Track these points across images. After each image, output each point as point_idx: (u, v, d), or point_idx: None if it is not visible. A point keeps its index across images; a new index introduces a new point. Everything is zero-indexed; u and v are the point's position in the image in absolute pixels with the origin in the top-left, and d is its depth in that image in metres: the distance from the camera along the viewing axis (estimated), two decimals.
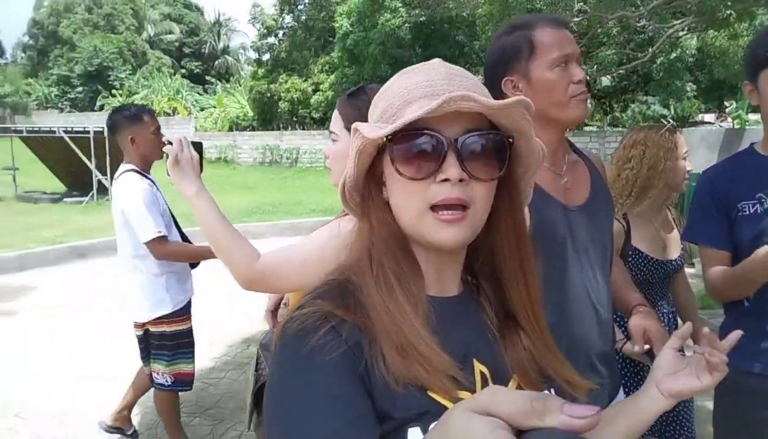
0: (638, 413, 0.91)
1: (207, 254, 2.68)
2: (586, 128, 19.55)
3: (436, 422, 0.49)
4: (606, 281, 1.44)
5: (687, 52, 16.41)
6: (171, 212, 2.93)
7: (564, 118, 1.38)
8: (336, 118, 1.47)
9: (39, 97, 38.61)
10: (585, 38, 10.24)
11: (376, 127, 0.74)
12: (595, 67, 9.04)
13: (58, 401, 3.68)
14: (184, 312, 2.91)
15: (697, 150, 10.61)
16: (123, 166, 2.87)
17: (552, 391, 0.82)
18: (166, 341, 2.88)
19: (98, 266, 7.74)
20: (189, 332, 2.94)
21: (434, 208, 0.72)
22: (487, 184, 0.74)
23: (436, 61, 0.79)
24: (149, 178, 2.85)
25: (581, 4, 10.45)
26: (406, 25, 21.36)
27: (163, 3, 47.90)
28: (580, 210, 1.40)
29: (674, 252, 2.23)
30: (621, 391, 1.55)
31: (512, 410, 0.38)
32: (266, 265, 1.29)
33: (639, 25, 10.72)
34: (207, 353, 4.21)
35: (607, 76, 16.42)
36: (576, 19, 9.80)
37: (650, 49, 9.69)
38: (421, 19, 21.72)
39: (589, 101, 1.37)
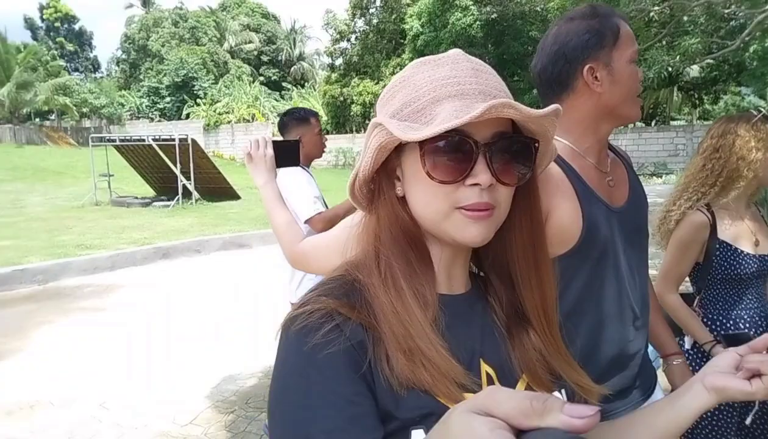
0: (679, 408, 0.84)
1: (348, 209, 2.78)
2: (674, 122, 18.49)
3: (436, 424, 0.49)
4: (643, 282, 1.41)
5: None
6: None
7: (631, 114, 1.35)
8: None
9: (131, 108, 41.39)
10: (667, 27, 9.69)
11: (408, 128, 0.71)
12: (678, 57, 8.53)
13: (138, 394, 3.93)
14: None
15: None
16: None
17: (563, 392, 0.80)
18: None
19: (180, 265, 8.21)
20: None
21: (461, 208, 0.72)
22: (512, 187, 0.74)
23: (458, 53, 0.76)
24: (308, 172, 3.04)
25: None
26: (477, 23, 21.11)
27: (242, 14, 50.00)
28: (622, 211, 1.36)
29: (767, 247, 2.07)
30: (659, 389, 1.49)
31: (512, 410, 0.38)
32: (304, 247, 1.44)
33: (727, 11, 10.04)
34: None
35: (695, 66, 15.44)
36: (656, 8, 9.29)
37: (739, 37, 9.03)
38: (493, 16, 21.36)
39: (675, 94, 1.36)
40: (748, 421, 1.90)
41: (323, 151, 3.14)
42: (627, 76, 1.30)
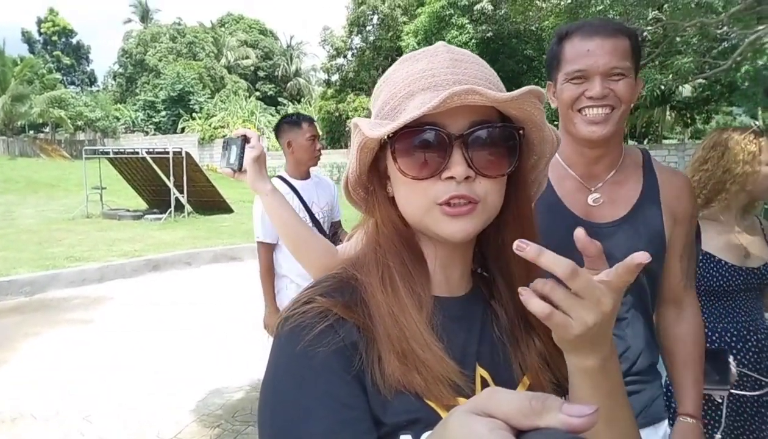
0: None
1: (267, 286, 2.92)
2: (666, 141, 18.65)
3: (430, 432, 0.47)
4: (638, 303, 1.41)
5: None
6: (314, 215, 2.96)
7: (574, 133, 1.37)
8: None
9: (127, 121, 41.41)
10: (660, 47, 9.80)
11: (376, 124, 0.70)
12: (671, 76, 8.62)
13: (123, 407, 3.84)
14: None
15: None
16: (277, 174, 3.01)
17: (566, 398, 0.75)
18: None
19: (170, 277, 8.12)
20: None
21: (440, 204, 0.69)
22: (498, 179, 0.70)
23: (440, 45, 0.74)
24: (291, 185, 2.92)
25: (656, 12, 10.01)
26: (473, 41, 21.31)
27: (240, 30, 50.39)
28: (603, 228, 1.36)
29: (760, 261, 2.04)
30: (666, 426, 1.48)
31: (511, 411, 0.37)
32: (343, 255, 1.38)
33: (719, 31, 10.15)
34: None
35: (688, 85, 15.61)
36: (650, 28, 9.40)
37: (731, 57, 9.13)
38: (488, 34, 21.60)
39: (668, 113, 1.32)
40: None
41: (316, 158, 2.99)
42: (561, 95, 1.36)
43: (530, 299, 0.59)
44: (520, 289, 0.60)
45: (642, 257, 0.57)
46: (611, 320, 0.62)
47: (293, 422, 0.62)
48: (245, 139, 1.41)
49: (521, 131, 0.70)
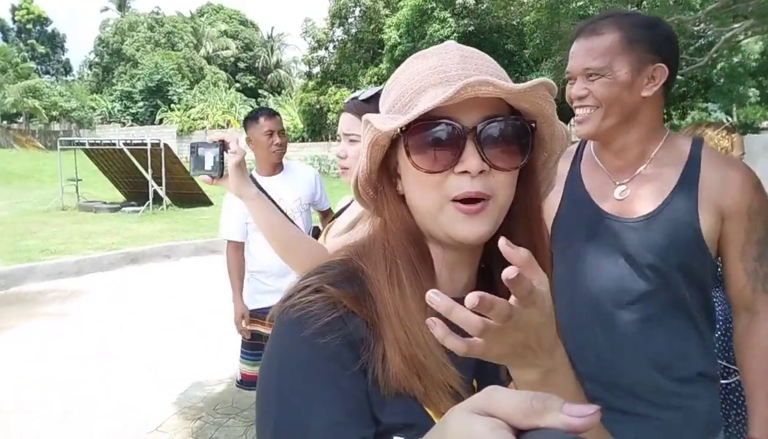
0: None
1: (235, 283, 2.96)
2: None
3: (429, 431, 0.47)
4: (675, 302, 1.33)
5: (750, 56, 15.64)
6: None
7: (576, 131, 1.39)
8: (353, 120, 1.52)
9: (103, 112, 40.67)
10: None
11: (389, 119, 0.70)
12: None
13: (103, 400, 3.80)
14: (259, 314, 2.91)
15: (760, 158, 10.05)
16: None
17: None
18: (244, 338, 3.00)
19: (149, 270, 8.03)
20: (258, 335, 2.95)
21: (454, 200, 0.68)
22: (510, 174, 0.69)
23: (450, 44, 0.74)
24: (256, 183, 2.72)
25: (635, 8, 10.11)
26: (455, 35, 21.33)
27: (220, 20, 49.74)
28: (632, 223, 1.34)
29: None
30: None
31: (512, 410, 0.37)
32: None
33: (696, 29, 10.30)
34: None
35: None
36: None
37: (707, 54, 9.31)
38: (470, 28, 21.66)
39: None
40: None
41: (274, 153, 2.84)
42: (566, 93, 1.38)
43: (445, 337, 0.55)
44: (427, 320, 0.56)
45: (508, 272, 0.53)
46: (532, 334, 0.59)
47: (300, 410, 0.61)
48: (224, 144, 1.38)
49: (533, 125, 0.70)
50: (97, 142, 15.57)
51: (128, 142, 14.39)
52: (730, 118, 17.87)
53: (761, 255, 1.32)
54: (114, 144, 14.38)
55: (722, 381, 2.02)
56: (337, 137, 1.63)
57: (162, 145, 13.77)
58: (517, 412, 0.37)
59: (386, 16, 25.07)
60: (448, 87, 0.65)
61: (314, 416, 0.61)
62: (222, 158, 1.37)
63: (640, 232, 1.31)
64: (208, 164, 1.38)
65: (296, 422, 0.61)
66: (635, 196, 1.34)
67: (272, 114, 2.93)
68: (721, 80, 16.30)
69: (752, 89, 16.95)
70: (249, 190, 1.39)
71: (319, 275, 0.70)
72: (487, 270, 0.82)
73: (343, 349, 0.64)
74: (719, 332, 2.04)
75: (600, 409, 0.36)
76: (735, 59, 15.04)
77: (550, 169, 0.79)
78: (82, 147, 15.21)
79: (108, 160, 15.23)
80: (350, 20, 28.10)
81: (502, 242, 0.56)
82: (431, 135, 0.67)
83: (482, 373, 0.72)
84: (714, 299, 2.06)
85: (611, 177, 1.38)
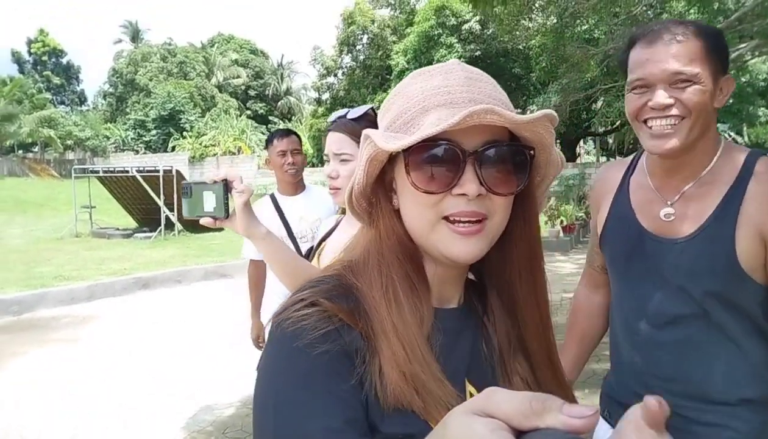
0: None
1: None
2: None
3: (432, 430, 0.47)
4: (714, 325, 1.27)
5: (758, 76, 15.65)
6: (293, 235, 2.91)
7: (642, 144, 1.28)
8: (343, 140, 1.51)
9: (117, 141, 41.30)
10: None
11: (391, 137, 0.70)
12: None
13: (112, 426, 3.80)
14: None
15: None
16: None
17: None
18: None
19: (160, 295, 8.07)
20: None
21: (448, 218, 0.69)
22: (507, 197, 0.71)
23: (454, 63, 0.74)
24: (276, 203, 2.91)
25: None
26: (462, 60, 21.48)
27: (231, 50, 50.65)
28: (670, 244, 1.29)
29: None
30: None
31: (511, 411, 0.37)
32: None
33: None
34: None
35: None
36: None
37: None
38: (477, 53, 21.88)
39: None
40: None
41: (287, 173, 2.88)
42: (627, 105, 1.29)
43: None
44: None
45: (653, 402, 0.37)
46: None
47: (297, 420, 0.61)
48: (227, 183, 1.31)
49: (532, 152, 0.71)
50: (110, 169, 15.79)
51: (141, 169, 14.59)
52: (740, 138, 17.81)
53: None
54: (127, 171, 14.58)
55: None
56: (324, 158, 1.61)
57: (174, 172, 13.94)
58: (517, 413, 0.37)
59: (393, 42, 25.44)
60: (453, 109, 0.67)
61: (312, 425, 0.60)
62: (227, 198, 1.30)
63: (676, 254, 1.27)
64: (209, 205, 1.31)
65: (295, 432, 0.61)
66: (680, 216, 1.28)
67: (286, 134, 2.99)
68: (730, 101, 16.30)
69: (762, 109, 16.92)
70: (258, 230, 1.34)
71: (313, 289, 0.70)
72: (478, 282, 0.83)
73: (339, 358, 0.64)
74: None
75: (598, 411, 0.36)
76: (743, 79, 15.05)
77: (543, 192, 0.80)
78: (96, 175, 15.44)
79: (121, 187, 15.44)
80: (358, 47, 28.52)
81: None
82: (432, 156, 0.67)
83: (474, 374, 0.74)
84: None
85: (659, 194, 1.32)
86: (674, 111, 1.20)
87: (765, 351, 1.27)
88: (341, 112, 1.59)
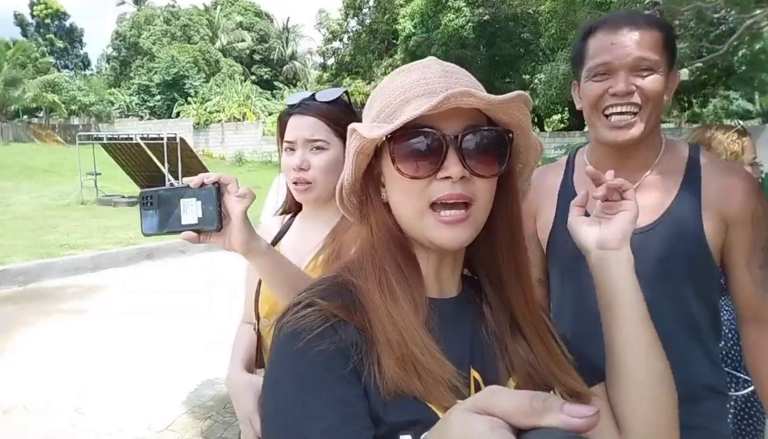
0: (607, 296, 0.87)
1: None
2: (663, 125, 18.62)
3: (428, 431, 0.48)
4: (683, 315, 1.28)
5: None
6: None
7: (597, 135, 1.29)
8: (317, 125, 1.32)
9: (121, 106, 41.05)
10: None
11: (375, 127, 0.73)
12: None
13: (114, 398, 3.86)
14: None
15: None
16: None
17: None
18: None
19: (164, 266, 8.12)
20: None
21: (435, 207, 0.72)
22: (489, 181, 0.74)
23: (431, 59, 0.78)
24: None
25: None
26: (470, 24, 21.11)
27: (235, 12, 49.79)
28: (635, 234, 1.30)
29: None
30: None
31: (512, 410, 0.38)
32: None
33: (716, 16, 10.06)
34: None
35: (685, 69, 15.50)
36: (647, 12, 9.31)
37: (728, 41, 9.09)
38: (485, 17, 21.40)
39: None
40: None
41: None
42: (583, 94, 1.30)
43: None
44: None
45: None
46: None
47: (296, 420, 0.63)
48: (220, 188, 1.01)
49: (510, 135, 0.74)
50: (114, 137, 15.74)
51: (145, 136, 14.55)
52: (752, 106, 17.47)
53: (764, 261, 1.30)
54: (131, 138, 14.55)
55: (737, 393, 1.97)
56: (286, 146, 1.37)
57: (178, 139, 13.90)
58: (517, 411, 0.37)
59: (400, 6, 24.87)
60: (432, 98, 0.69)
61: (311, 424, 0.62)
62: (219, 204, 1.00)
63: (643, 242, 1.25)
64: (191, 216, 1.00)
65: (294, 432, 0.62)
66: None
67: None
68: (743, 67, 15.91)
69: None
70: (259, 244, 1.08)
71: (309, 291, 0.73)
72: (473, 276, 0.85)
73: (336, 356, 0.66)
74: (731, 342, 1.99)
75: (599, 411, 0.36)
76: (757, 46, 14.65)
77: (525, 180, 0.83)
78: (100, 142, 15.40)
79: (125, 154, 15.42)
80: (364, 11, 27.97)
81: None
82: (415, 143, 0.71)
83: (477, 363, 0.75)
84: (725, 308, 2.02)
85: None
86: (634, 98, 1.22)
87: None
88: (303, 93, 1.38)
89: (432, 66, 0.75)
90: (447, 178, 0.70)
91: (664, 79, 1.23)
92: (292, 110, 1.36)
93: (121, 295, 6.57)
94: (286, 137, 1.36)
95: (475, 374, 0.74)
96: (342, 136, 1.33)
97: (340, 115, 1.33)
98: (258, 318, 1.46)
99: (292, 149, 1.35)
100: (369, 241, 0.77)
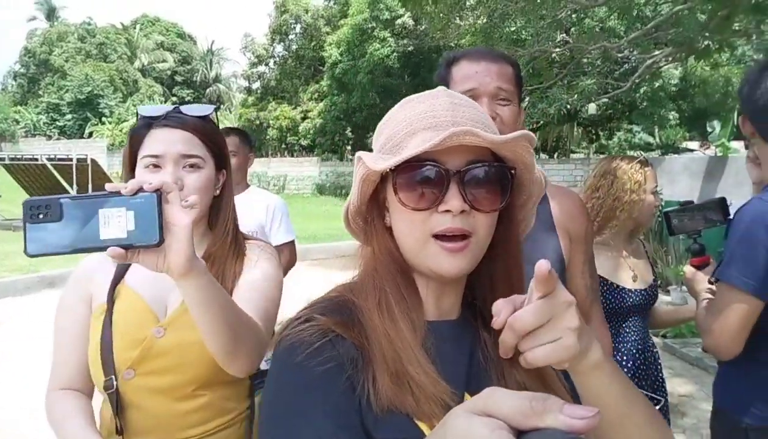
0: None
1: None
2: (573, 155, 19.71)
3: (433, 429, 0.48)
4: None
5: (670, 81, 16.63)
6: None
7: None
8: (191, 140, 1.19)
9: (27, 125, 38.52)
10: (567, 68, 10.35)
11: (380, 158, 0.75)
12: (576, 95, 9.16)
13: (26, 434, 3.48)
14: None
15: (680, 177, 10.65)
16: None
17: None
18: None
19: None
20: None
21: (436, 236, 0.73)
22: (489, 215, 0.75)
23: (441, 90, 0.80)
24: None
25: (564, 35, 10.54)
26: (395, 54, 21.60)
27: (156, 33, 48.35)
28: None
29: (645, 283, 2.13)
30: None
31: (512, 411, 0.38)
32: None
33: (620, 55, 10.86)
34: None
35: (593, 104, 16.61)
36: (557, 50, 9.91)
37: (631, 79, 9.82)
38: (410, 48, 21.97)
39: (575, 129, 1.31)
40: None
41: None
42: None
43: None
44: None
45: (543, 264, 0.60)
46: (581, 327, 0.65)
47: (294, 427, 0.64)
48: (161, 195, 0.84)
49: (513, 171, 0.76)
50: (17, 157, 14.70)
51: (52, 157, 13.69)
52: (652, 139, 18.90)
53: (592, 271, 1.55)
54: (36, 159, 13.65)
55: None
56: (147, 162, 1.19)
57: (89, 161, 13.18)
58: (517, 413, 0.38)
59: (327, 33, 25.10)
60: (437, 131, 0.71)
61: (307, 432, 0.63)
62: (160, 216, 0.83)
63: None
64: (117, 229, 0.82)
65: (291, 437, 0.64)
66: None
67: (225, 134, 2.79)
68: (644, 103, 17.23)
69: (672, 113, 17.99)
70: (201, 263, 0.92)
71: (310, 307, 0.76)
72: (473, 302, 0.86)
73: (333, 369, 0.68)
74: (638, 362, 2.06)
75: (598, 412, 0.36)
76: (656, 84, 15.94)
77: (528, 211, 0.85)
78: (1, 162, 14.32)
79: (30, 176, 14.40)
80: (291, 37, 27.95)
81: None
82: (418, 176, 0.73)
83: (473, 386, 0.75)
84: (633, 329, 2.10)
85: None
86: (497, 125, 1.31)
87: None
88: (164, 107, 1.22)
89: (440, 97, 0.77)
90: (447, 211, 0.72)
91: (518, 110, 1.34)
92: (155, 122, 1.19)
93: (19, 327, 6.01)
94: (150, 151, 1.17)
95: (469, 397, 0.72)
96: (215, 155, 1.25)
97: (214, 133, 1.25)
98: (115, 372, 1.21)
99: (157, 166, 1.17)
100: (371, 263, 0.79)
